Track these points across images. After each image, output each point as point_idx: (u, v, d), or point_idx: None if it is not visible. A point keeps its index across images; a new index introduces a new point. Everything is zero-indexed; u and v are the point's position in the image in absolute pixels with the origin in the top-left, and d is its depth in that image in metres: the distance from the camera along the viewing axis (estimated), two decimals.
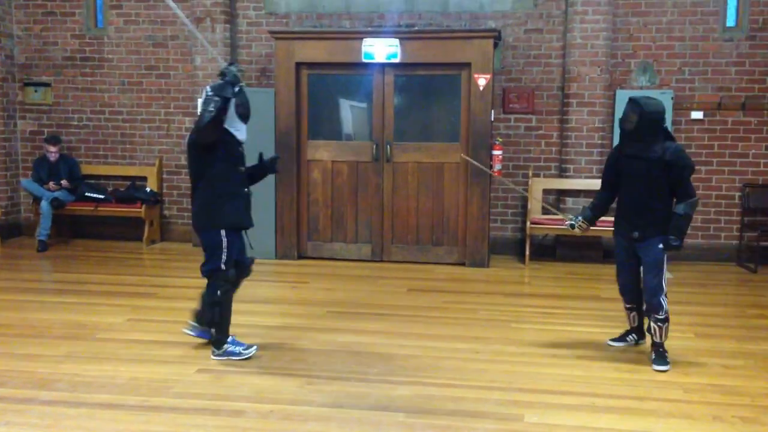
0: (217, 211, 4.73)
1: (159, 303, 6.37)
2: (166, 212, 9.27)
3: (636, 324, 5.18)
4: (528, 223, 8.06)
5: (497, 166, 7.87)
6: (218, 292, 4.75)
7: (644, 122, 4.56)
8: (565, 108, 8.23)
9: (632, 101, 4.65)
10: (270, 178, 7.99)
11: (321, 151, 8.14)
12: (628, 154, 4.74)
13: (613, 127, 8.19)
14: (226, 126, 4.68)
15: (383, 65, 7.86)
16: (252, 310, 6.18)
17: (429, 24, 8.44)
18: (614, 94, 8.18)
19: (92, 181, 9.12)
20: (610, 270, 7.73)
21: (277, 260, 8.11)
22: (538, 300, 6.66)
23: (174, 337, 5.32)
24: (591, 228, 5.27)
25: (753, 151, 8.16)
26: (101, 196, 8.87)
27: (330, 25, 8.61)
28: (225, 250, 4.75)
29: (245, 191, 4.93)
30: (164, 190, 9.22)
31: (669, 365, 4.75)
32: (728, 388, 4.49)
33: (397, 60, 7.77)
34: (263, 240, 8.16)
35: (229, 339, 4.89)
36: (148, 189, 8.99)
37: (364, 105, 8.20)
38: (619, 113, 8.04)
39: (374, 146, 8.00)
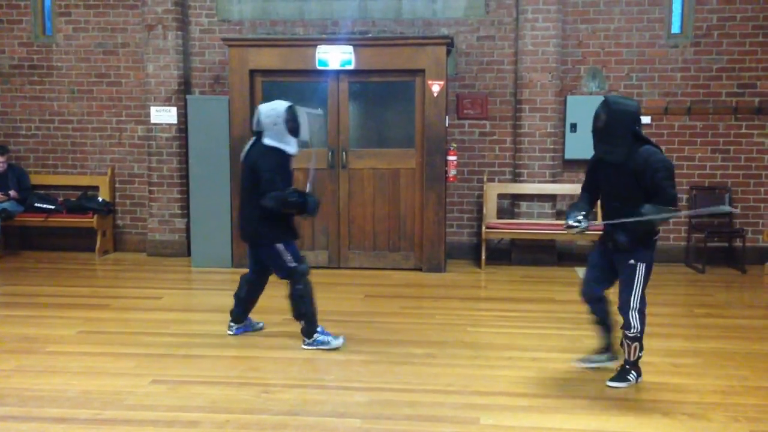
0: (275, 225, 5.18)
1: (112, 314, 6.26)
2: (119, 222, 9.12)
3: (606, 340, 4.74)
4: (483, 228, 8.14)
5: (452, 172, 7.95)
6: (300, 286, 5.17)
7: (611, 122, 4.28)
8: (518, 113, 8.36)
9: (603, 100, 4.42)
10: (225, 186, 7.99)
11: None
12: (597, 156, 4.53)
13: (564, 132, 8.34)
14: (278, 144, 5.16)
15: (338, 72, 7.88)
16: (207, 319, 6.13)
17: (382, 31, 8.49)
18: (565, 100, 8.33)
19: (42, 192, 8.92)
20: (564, 273, 7.93)
21: (233, 268, 8.04)
22: (494, 303, 6.74)
23: (127, 348, 5.25)
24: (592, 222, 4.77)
25: (699, 154, 8.38)
26: (51, 207, 8.68)
27: (284, 32, 8.59)
28: (286, 253, 5.19)
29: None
30: (117, 200, 9.07)
31: (626, 384, 4.51)
32: (677, 386, 4.61)
33: (351, 67, 7.79)
34: (219, 248, 8.11)
35: (319, 329, 5.28)
36: (100, 199, 8.83)
37: (319, 112, 8.17)
38: (570, 118, 8.30)
39: (330, 153, 8.00)
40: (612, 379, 4.56)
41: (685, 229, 8.46)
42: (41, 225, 8.70)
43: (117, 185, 9.07)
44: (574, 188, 8.43)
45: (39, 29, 9.00)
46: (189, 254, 8.47)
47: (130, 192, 9.08)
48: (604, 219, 4.59)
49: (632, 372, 4.56)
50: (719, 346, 5.44)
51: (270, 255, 5.24)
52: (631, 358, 4.52)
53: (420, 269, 7.98)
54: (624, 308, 4.45)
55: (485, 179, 8.42)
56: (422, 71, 7.75)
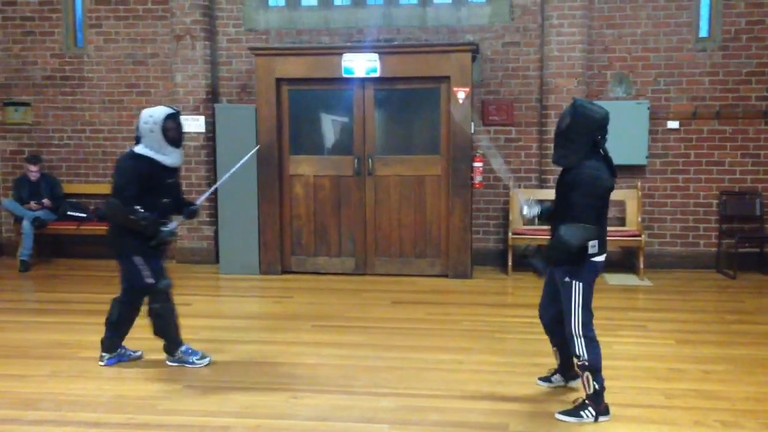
0: (127, 239, 4.77)
1: (142, 321, 6.29)
2: None
3: (559, 361, 4.57)
4: (510, 234, 8.13)
5: (478, 178, 7.95)
6: (156, 305, 4.88)
7: (573, 124, 4.01)
8: (544, 119, 8.34)
9: (572, 102, 4.18)
10: (253, 194, 8.07)
11: (303, 166, 8.18)
12: (552, 159, 4.28)
13: None
14: (151, 154, 4.74)
15: (363, 80, 7.93)
16: (236, 325, 6.20)
17: (408, 38, 8.53)
18: None
19: (74, 200, 9.08)
20: None
21: (261, 275, 8.12)
22: (521, 310, 6.71)
23: (158, 354, 5.31)
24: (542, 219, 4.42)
25: (729, 159, 8.30)
26: (83, 215, 8.84)
27: (309, 41, 8.67)
28: (145, 267, 4.82)
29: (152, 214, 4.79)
30: None
31: (576, 419, 4.07)
32: (709, 392, 4.57)
33: (376, 74, 7.84)
34: (247, 255, 8.19)
35: (183, 347, 5.07)
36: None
37: (344, 119, 8.27)
38: None
39: (356, 160, 8.05)
40: (562, 411, 4.16)
41: (716, 234, 8.36)
42: (73, 233, 8.84)
43: None
44: None
45: (71, 41, 9.18)
46: (217, 261, 8.56)
47: None
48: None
49: (588, 409, 4.09)
50: (751, 352, 5.38)
51: (126, 265, 4.87)
52: (588, 391, 4.09)
53: (446, 276, 7.99)
54: (568, 334, 4.14)
55: (511, 185, 8.39)
56: (447, 78, 7.78)
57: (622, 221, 8.40)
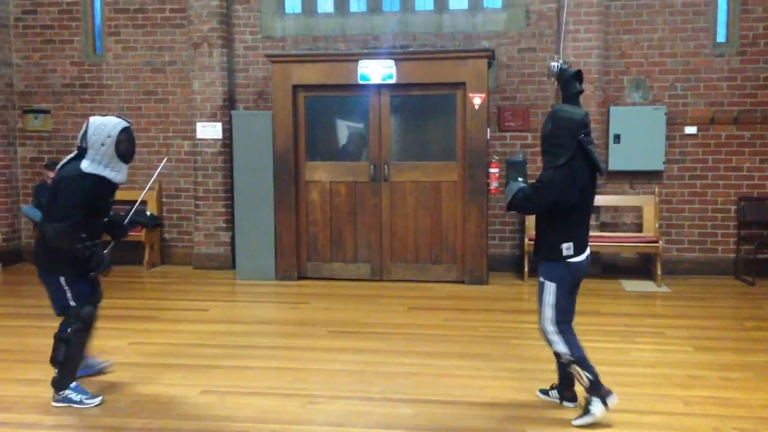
0: (57, 258, 4.41)
1: (160, 326, 6.41)
2: (166, 236, 9.32)
3: (558, 378, 4.46)
4: (526, 240, 8.11)
5: (494, 184, 7.94)
6: (68, 329, 4.45)
7: (555, 128, 4.08)
8: None
9: (552, 108, 4.31)
10: (269, 200, 8.11)
11: (319, 172, 8.21)
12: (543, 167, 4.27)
13: (607, 143, 8.28)
14: (99, 170, 4.37)
15: (379, 86, 7.96)
16: (253, 331, 6.24)
17: (423, 45, 8.55)
18: (608, 111, 8.28)
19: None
20: (609, 285, 7.85)
21: (277, 281, 8.15)
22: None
23: (176, 359, 5.37)
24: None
25: (747, 164, 8.23)
26: None
27: (326, 47, 8.72)
28: (67, 289, 4.47)
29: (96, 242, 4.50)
30: (164, 214, 9.28)
31: (590, 417, 4.07)
32: (727, 400, 4.53)
33: (392, 81, 7.86)
34: (263, 261, 8.23)
35: (72, 384, 4.51)
36: (148, 213, 9.01)
37: (360, 126, 8.30)
38: (613, 129, 8.24)
39: (372, 166, 8.07)
40: (576, 418, 4.15)
41: (734, 240, 8.30)
42: None
43: (164, 199, 9.28)
44: (618, 200, 8.37)
45: (90, 49, 9.28)
46: (234, 267, 8.61)
47: (176, 206, 9.28)
48: None
49: (593, 401, 4.08)
50: None
51: (51, 284, 4.50)
52: (583, 385, 4.10)
53: (462, 282, 7.98)
54: (540, 332, 4.25)
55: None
56: (463, 84, 7.78)
57: (639, 227, 8.36)
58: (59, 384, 4.47)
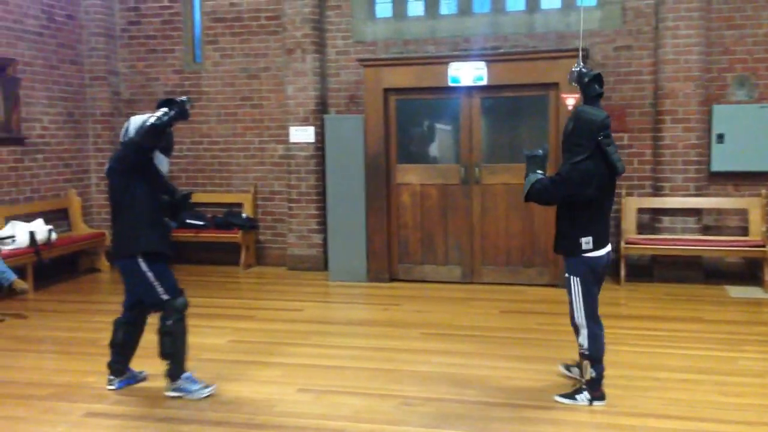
0: (135, 237, 4.53)
1: (257, 325, 6.59)
2: (261, 237, 9.58)
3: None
4: (623, 243, 7.89)
5: None
6: (169, 322, 4.59)
7: (576, 128, 4.29)
8: (659, 125, 8.06)
9: (574, 108, 4.59)
10: (361, 202, 8.21)
11: (410, 175, 8.25)
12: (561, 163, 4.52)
13: (710, 143, 7.96)
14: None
15: (470, 88, 7.92)
16: (346, 331, 6.33)
17: (515, 46, 8.46)
18: (710, 110, 7.95)
19: (192, 209, 9.52)
20: (712, 291, 7.55)
21: (368, 283, 8.24)
22: (636, 322, 6.50)
23: (273, 357, 5.51)
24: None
25: None
26: (201, 223, 9.24)
27: (416, 50, 8.75)
28: (154, 280, 4.56)
29: (166, 221, 4.74)
30: (259, 216, 9.54)
31: (570, 401, 4.43)
32: None
33: (483, 83, 7.82)
34: (355, 263, 8.33)
35: (186, 374, 4.70)
36: (244, 215, 9.32)
37: (451, 128, 8.28)
38: (716, 129, 7.91)
39: (462, 169, 8.04)
40: (561, 394, 4.52)
41: None
42: (192, 240, 9.26)
43: (259, 202, 9.54)
44: (721, 202, 8.04)
45: (190, 57, 9.66)
46: (326, 268, 8.75)
47: (270, 209, 9.53)
48: None
49: (584, 393, 4.43)
50: None
51: (133, 275, 4.59)
52: (584, 377, 4.44)
53: (555, 285, 7.81)
54: (573, 325, 4.49)
55: (624, 193, 8.16)
56: (556, 85, 7.65)
57: (744, 230, 7.99)
58: (173, 375, 4.67)
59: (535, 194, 4.42)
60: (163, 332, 4.60)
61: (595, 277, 4.42)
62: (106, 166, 4.73)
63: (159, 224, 4.64)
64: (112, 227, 4.82)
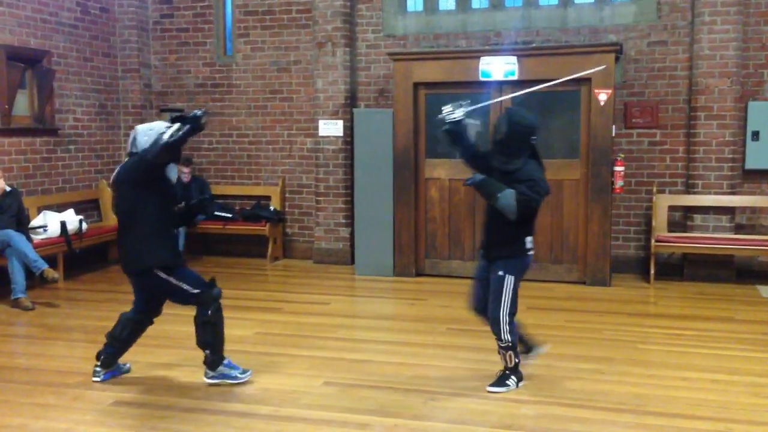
0: (149, 252, 4.53)
1: (284, 317, 6.61)
2: (288, 230, 9.62)
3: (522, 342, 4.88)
4: (653, 241, 7.78)
5: (619, 183, 7.66)
6: (209, 312, 4.65)
7: (511, 132, 4.44)
8: (693, 121, 7.92)
9: (506, 111, 4.65)
10: (388, 197, 8.18)
11: (438, 170, 8.21)
12: (492, 165, 4.58)
13: (744, 140, 7.81)
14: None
15: (501, 83, 7.85)
16: (373, 325, 6.33)
17: (547, 40, 8.37)
18: (746, 106, 7.80)
19: (221, 201, 9.59)
20: (744, 290, 7.42)
21: (395, 277, 8.23)
22: (666, 321, 6.40)
23: (300, 350, 5.53)
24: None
25: None
26: (229, 215, 9.18)
27: (447, 45, 8.70)
28: (177, 282, 4.62)
29: (174, 231, 4.84)
30: (286, 209, 9.57)
31: (506, 388, 4.62)
32: None
33: (514, 77, 7.74)
34: (382, 257, 8.33)
35: (225, 361, 4.78)
36: (271, 208, 9.30)
37: (480, 123, 8.19)
38: (752, 126, 7.77)
39: None
40: (491, 384, 4.65)
41: None
42: (220, 232, 9.33)
43: (287, 195, 9.57)
44: (755, 200, 7.89)
45: (221, 50, 9.71)
46: (353, 262, 8.76)
47: (298, 202, 9.56)
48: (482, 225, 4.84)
49: (512, 377, 4.66)
50: None
51: (156, 286, 4.65)
52: (509, 365, 4.64)
53: (584, 283, 7.76)
54: (494, 322, 4.54)
55: (655, 190, 8.04)
56: (588, 80, 7.52)
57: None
58: (213, 363, 4.74)
59: (525, 204, 4.37)
60: (203, 322, 4.67)
61: (523, 275, 4.63)
62: (114, 175, 4.71)
63: (169, 236, 4.71)
64: (120, 238, 4.74)
